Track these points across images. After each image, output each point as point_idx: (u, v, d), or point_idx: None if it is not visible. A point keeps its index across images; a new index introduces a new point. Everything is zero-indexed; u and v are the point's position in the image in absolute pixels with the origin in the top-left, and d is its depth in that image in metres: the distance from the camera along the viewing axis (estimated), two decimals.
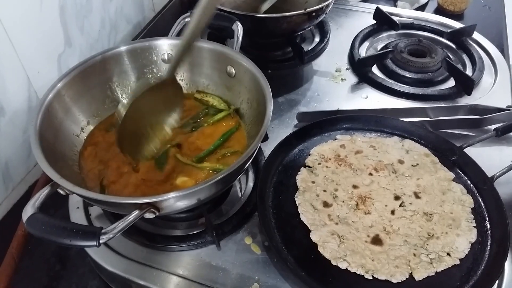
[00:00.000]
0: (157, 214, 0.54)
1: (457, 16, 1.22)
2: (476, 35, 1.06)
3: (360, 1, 1.26)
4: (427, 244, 0.61)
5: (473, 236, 0.62)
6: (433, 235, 0.62)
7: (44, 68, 0.77)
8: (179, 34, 0.83)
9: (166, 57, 0.78)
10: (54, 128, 0.65)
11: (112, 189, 0.64)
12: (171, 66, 0.62)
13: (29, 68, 0.73)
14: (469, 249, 0.60)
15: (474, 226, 0.63)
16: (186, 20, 0.81)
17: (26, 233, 0.66)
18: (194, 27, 0.58)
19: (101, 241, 0.48)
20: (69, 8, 0.80)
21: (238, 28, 0.77)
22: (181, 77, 0.80)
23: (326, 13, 0.95)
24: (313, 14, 0.90)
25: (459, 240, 0.61)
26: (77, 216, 0.70)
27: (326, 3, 0.90)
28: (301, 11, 0.87)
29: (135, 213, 0.51)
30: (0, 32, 0.66)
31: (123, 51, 0.75)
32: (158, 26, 1.05)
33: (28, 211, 0.50)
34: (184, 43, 0.60)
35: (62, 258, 0.68)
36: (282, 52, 1.03)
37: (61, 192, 0.55)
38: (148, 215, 0.53)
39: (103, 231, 0.49)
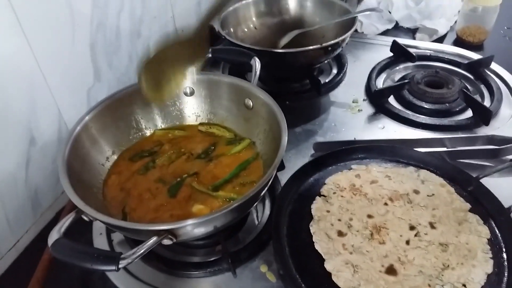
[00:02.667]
0: (174, 240, 0.56)
1: (477, 47, 1.23)
2: (494, 66, 1.07)
3: (378, 34, 1.29)
4: (442, 275, 0.60)
5: (489, 267, 0.61)
6: (448, 266, 0.61)
7: (74, 101, 0.82)
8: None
9: (188, 90, 0.82)
10: (81, 157, 0.69)
11: (133, 216, 0.67)
12: (199, 27, 0.70)
13: (60, 101, 0.78)
14: (485, 281, 0.59)
15: (490, 257, 0.62)
16: (207, 56, 0.85)
17: (51, 257, 0.69)
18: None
19: (120, 266, 0.50)
20: (99, 45, 0.86)
21: (256, 63, 0.80)
22: (201, 110, 0.84)
23: (342, 47, 0.98)
24: (329, 48, 0.93)
25: (475, 271, 0.60)
26: (100, 241, 0.73)
27: (342, 37, 0.94)
28: (317, 46, 0.90)
29: (153, 239, 0.53)
30: (34, 67, 0.71)
31: None
32: None
33: (54, 236, 0.53)
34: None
35: (85, 283, 0.70)
36: (300, 84, 1.06)
37: (85, 218, 0.58)
38: (166, 242, 0.55)
39: (122, 256, 0.51)
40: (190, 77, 0.77)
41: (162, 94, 0.73)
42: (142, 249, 0.52)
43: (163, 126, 0.83)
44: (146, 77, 0.70)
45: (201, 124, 0.84)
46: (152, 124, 0.82)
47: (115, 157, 0.77)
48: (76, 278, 0.70)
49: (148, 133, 0.82)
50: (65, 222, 0.56)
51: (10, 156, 0.70)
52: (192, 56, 0.73)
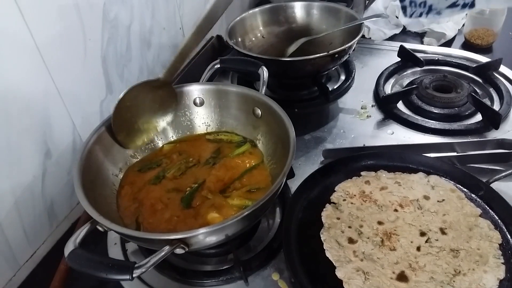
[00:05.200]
0: (187, 249, 0.57)
1: (485, 50, 1.23)
2: (503, 69, 1.06)
3: (385, 39, 1.29)
4: (454, 281, 0.60)
5: (501, 273, 0.61)
6: (459, 272, 0.61)
7: (87, 114, 0.83)
8: (210, 79, 0.89)
9: (198, 101, 0.84)
10: (95, 169, 0.70)
11: (146, 226, 0.68)
12: (168, 70, 0.73)
13: (73, 113, 0.80)
14: (497, 286, 0.59)
15: (502, 263, 0.62)
16: (215, 66, 0.87)
17: (68, 267, 0.70)
18: (189, 39, 0.69)
19: (134, 275, 0.51)
20: (110, 58, 0.87)
21: (264, 72, 0.81)
22: (211, 119, 0.85)
23: (349, 54, 0.99)
24: (336, 55, 0.94)
25: (487, 277, 0.60)
26: (114, 251, 0.74)
27: (349, 44, 0.94)
28: (324, 53, 0.91)
29: (166, 248, 0.54)
30: (48, 81, 0.73)
31: None
32: (192, 71, 1.12)
33: (70, 246, 0.54)
34: (179, 51, 0.71)
35: None
36: (308, 91, 1.07)
37: (100, 228, 0.59)
38: (178, 251, 0.56)
39: (136, 265, 0.52)
40: (160, 124, 0.81)
41: (134, 140, 0.78)
42: (155, 258, 0.54)
43: (174, 136, 0.85)
44: (116, 123, 0.73)
45: (208, 133, 0.85)
46: (163, 134, 0.84)
47: (128, 167, 0.78)
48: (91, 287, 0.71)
49: (160, 143, 0.83)
50: (81, 232, 0.57)
51: (26, 168, 0.72)
52: (163, 100, 0.77)
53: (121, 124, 0.74)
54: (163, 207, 0.71)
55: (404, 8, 0.55)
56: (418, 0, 0.53)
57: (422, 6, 0.53)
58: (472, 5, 0.52)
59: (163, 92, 0.76)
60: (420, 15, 0.54)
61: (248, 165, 0.77)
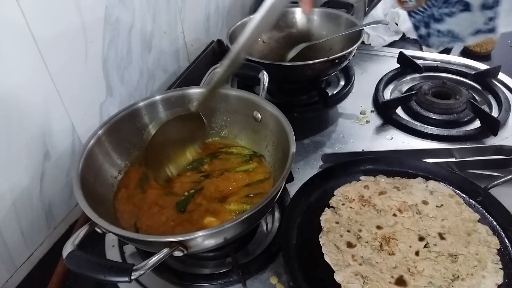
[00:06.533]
0: (185, 252, 0.56)
1: (484, 57, 1.23)
2: (502, 76, 1.07)
3: (385, 46, 1.30)
4: (452, 286, 0.60)
5: (499, 278, 0.61)
6: (458, 277, 0.61)
7: (87, 116, 0.83)
8: None
9: None
10: (94, 171, 0.70)
11: (144, 229, 0.68)
12: (199, 103, 0.71)
13: (73, 115, 0.80)
14: None
15: (500, 268, 0.62)
16: (216, 70, 0.87)
17: (65, 269, 0.70)
18: (222, 74, 0.65)
19: (132, 277, 0.51)
20: (111, 60, 0.87)
21: (264, 77, 0.81)
22: (210, 123, 0.85)
23: (349, 60, 1.00)
24: (336, 61, 0.94)
25: (485, 282, 0.60)
26: (112, 253, 0.74)
27: (349, 50, 0.95)
28: (324, 59, 0.92)
29: (165, 251, 0.54)
30: (49, 83, 0.73)
31: (158, 100, 0.81)
32: (192, 74, 1.12)
33: (68, 248, 0.54)
34: (212, 86, 0.67)
35: None
36: (308, 96, 1.07)
37: (98, 230, 0.59)
38: (177, 253, 0.56)
39: (134, 267, 0.52)
40: (193, 152, 0.77)
41: (168, 173, 0.75)
42: (154, 260, 0.53)
43: None
44: (148, 162, 0.71)
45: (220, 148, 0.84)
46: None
47: (127, 170, 0.78)
48: None
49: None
50: (79, 234, 0.57)
51: (25, 170, 0.72)
52: (193, 132, 0.74)
53: (152, 159, 0.71)
54: (159, 210, 0.71)
55: (421, 37, 0.56)
56: (445, 30, 0.53)
57: (450, 35, 0.53)
58: (494, 30, 0.52)
59: (192, 123, 0.73)
60: (448, 42, 0.55)
61: (254, 179, 0.76)
